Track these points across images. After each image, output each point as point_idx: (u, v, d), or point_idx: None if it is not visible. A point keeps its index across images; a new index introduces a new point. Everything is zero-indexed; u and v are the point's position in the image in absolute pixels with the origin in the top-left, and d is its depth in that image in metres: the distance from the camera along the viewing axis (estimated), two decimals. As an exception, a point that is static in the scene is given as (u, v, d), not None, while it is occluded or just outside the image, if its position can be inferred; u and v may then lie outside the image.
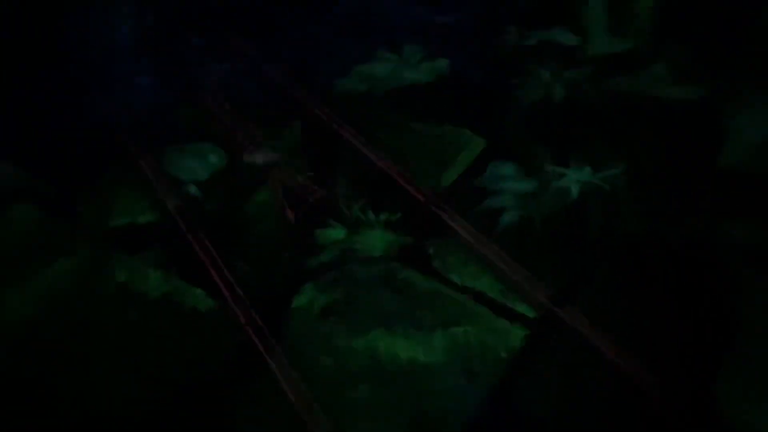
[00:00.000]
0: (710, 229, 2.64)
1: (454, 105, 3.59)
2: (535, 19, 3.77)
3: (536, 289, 2.58)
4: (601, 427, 2.20)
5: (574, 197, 2.78)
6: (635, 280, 2.61)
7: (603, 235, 2.79)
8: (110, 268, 2.65)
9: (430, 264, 2.79)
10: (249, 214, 3.09)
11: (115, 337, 2.48)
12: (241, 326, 2.50)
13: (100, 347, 2.45)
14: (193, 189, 3.17)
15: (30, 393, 2.31)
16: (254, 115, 3.52)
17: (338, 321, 2.54)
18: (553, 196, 2.85)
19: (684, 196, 2.81)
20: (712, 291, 2.47)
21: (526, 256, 2.70)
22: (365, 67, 3.79)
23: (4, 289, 2.55)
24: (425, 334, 2.47)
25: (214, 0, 4.45)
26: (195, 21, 4.32)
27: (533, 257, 2.70)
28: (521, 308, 2.57)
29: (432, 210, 2.94)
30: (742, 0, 3.15)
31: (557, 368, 2.39)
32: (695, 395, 2.17)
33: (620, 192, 2.83)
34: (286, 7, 4.40)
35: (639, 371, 2.24)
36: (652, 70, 3.31)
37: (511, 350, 2.41)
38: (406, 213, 2.95)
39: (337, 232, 2.90)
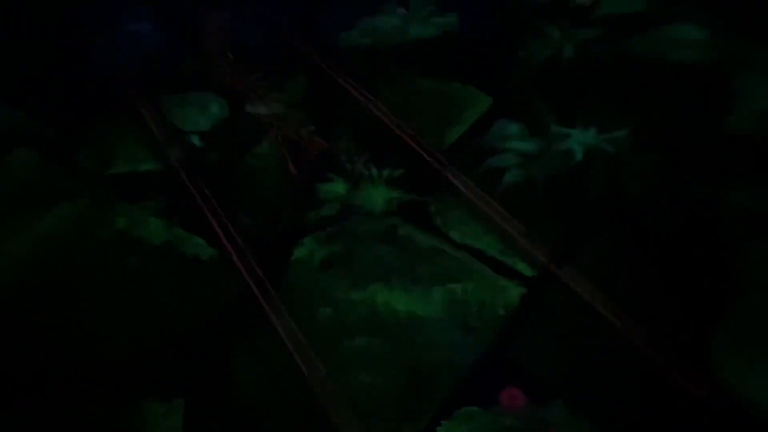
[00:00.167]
0: (713, 194, 2.63)
1: (461, 61, 3.53)
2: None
3: (536, 248, 2.58)
4: (597, 385, 2.22)
5: (578, 159, 2.76)
6: (635, 243, 2.61)
7: (605, 197, 2.78)
8: (110, 214, 2.66)
9: (431, 221, 2.80)
10: (251, 166, 3.07)
11: (114, 282, 2.49)
12: (242, 276, 2.52)
13: (100, 291, 2.46)
14: (194, 139, 3.14)
15: (27, 333, 2.33)
16: (257, 66, 3.46)
17: (338, 273, 2.56)
18: (557, 156, 2.83)
19: (689, 160, 2.79)
20: (712, 255, 2.48)
21: (527, 216, 2.69)
22: (370, 20, 3.72)
23: (4, 232, 2.55)
24: (424, 289, 2.48)
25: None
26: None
27: (534, 217, 2.70)
28: (520, 267, 2.58)
29: (434, 167, 2.93)
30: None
31: (555, 327, 2.41)
32: (691, 354, 2.19)
33: (624, 154, 2.81)
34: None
35: (636, 331, 2.26)
36: (665, 32, 3.25)
37: (509, 307, 2.43)
38: (409, 169, 2.94)
39: (338, 187, 2.88)
